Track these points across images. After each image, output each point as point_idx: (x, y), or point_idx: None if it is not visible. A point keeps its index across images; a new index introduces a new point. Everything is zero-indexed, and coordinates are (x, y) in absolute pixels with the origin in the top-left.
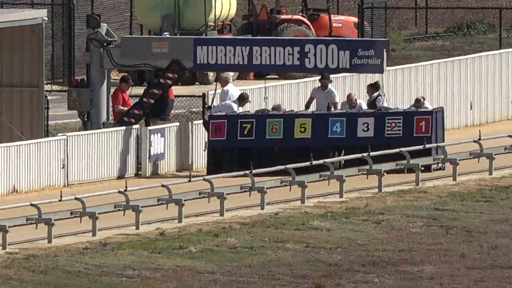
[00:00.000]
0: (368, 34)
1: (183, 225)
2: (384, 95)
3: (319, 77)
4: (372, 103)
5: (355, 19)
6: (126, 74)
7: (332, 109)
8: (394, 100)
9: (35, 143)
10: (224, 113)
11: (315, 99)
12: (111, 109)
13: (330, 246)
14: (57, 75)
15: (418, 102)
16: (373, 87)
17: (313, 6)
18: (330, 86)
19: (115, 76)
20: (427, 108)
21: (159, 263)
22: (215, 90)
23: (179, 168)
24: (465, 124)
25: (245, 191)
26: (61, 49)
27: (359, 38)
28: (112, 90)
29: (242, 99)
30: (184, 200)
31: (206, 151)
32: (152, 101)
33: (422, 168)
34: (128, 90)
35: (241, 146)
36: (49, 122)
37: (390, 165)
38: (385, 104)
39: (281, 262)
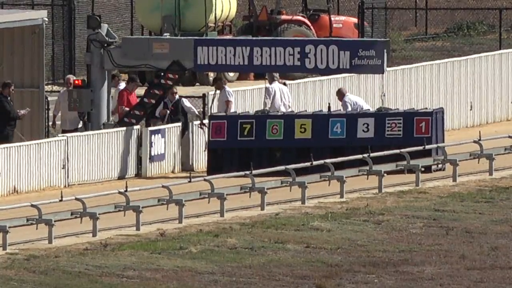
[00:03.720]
0: (368, 35)
1: (183, 226)
2: (384, 96)
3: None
4: (177, 105)
5: (355, 20)
6: (134, 74)
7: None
8: (394, 101)
9: (35, 143)
10: (223, 114)
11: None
12: (111, 109)
13: (331, 246)
14: (57, 75)
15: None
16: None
17: (313, 7)
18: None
19: None
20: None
21: (160, 264)
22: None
23: (179, 168)
24: (465, 125)
25: (245, 192)
26: (61, 50)
27: (360, 39)
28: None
29: None
30: (185, 201)
31: (206, 152)
32: (153, 102)
33: (422, 169)
34: (135, 90)
35: (241, 146)
36: (50, 123)
37: (390, 166)
38: (188, 105)
39: (281, 263)
